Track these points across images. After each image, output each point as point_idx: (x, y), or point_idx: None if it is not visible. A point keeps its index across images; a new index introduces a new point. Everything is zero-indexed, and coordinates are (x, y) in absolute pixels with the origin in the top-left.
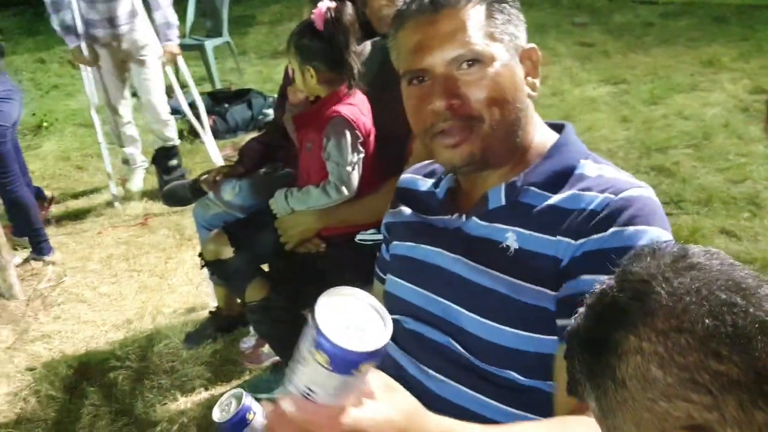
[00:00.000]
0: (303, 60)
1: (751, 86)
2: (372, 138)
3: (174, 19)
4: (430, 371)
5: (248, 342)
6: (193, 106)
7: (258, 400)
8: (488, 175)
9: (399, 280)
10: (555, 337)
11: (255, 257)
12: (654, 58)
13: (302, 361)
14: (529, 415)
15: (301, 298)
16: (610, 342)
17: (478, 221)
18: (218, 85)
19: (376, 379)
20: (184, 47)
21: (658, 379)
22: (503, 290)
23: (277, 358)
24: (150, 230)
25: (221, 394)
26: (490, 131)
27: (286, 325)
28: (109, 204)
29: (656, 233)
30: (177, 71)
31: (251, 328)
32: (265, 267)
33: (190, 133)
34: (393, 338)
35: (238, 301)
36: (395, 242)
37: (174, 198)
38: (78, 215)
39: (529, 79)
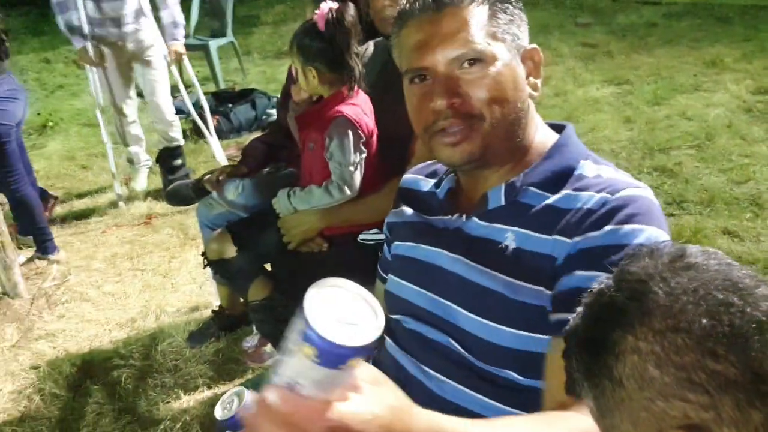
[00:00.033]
0: (305, 60)
1: (754, 87)
2: (374, 138)
3: (181, 18)
4: (430, 371)
5: (251, 341)
6: (197, 105)
7: None
8: (488, 175)
9: (400, 280)
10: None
11: (258, 257)
12: (657, 59)
13: (289, 353)
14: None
15: (303, 298)
16: (607, 341)
17: (478, 221)
18: (222, 85)
19: (363, 372)
20: (188, 47)
21: (655, 378)
22: (502, 290)
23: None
24: (154, 229)
25: (224, 393)
26: (491, 130)
27: (289, 325)
28: (114, 203)
29: (653, 233)
30: (182, 71)
31: (254, 327)
32: (268, 266)
33: (194, 133)
34: (394, 338)
35: (241, 300)
36: (397, 242)
37: (177, 197)
38: (82, 214)
39: (531, 79)
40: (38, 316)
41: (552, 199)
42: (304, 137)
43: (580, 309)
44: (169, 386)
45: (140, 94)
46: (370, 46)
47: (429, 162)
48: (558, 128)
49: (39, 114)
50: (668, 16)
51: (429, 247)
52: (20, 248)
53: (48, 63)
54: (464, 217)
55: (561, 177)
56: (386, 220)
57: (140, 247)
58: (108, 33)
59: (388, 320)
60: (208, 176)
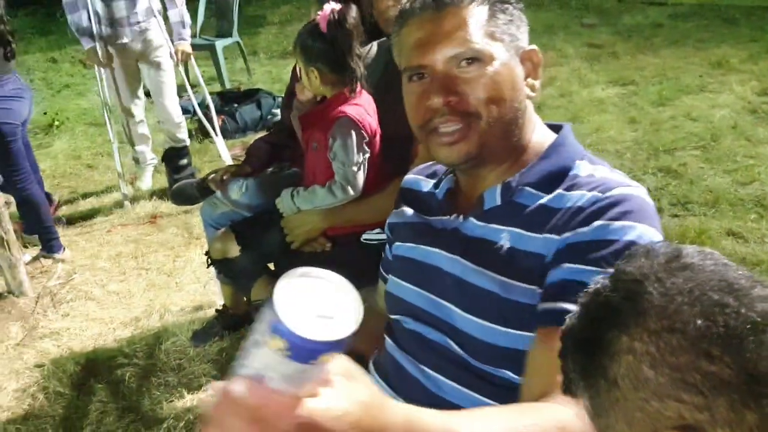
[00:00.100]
0: (307, 61)
1: (759, 88)
2: (378, 138)
3: (188, 18)
4: (429, 371)
5: None
6: (203, 105)
7: None
8: (486, 174)
9: (400, 280)
10: None
11: (261, 256)
12: (663, 60)
13: (258, 344)
14: None
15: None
16: (602, 342)
17: (475, 222)
18: (228, 85)
19: (336, 366)
20: (194, 47)
21: (649, 378)
22: (497, 290)
23: None
24: (159, 229)
25: None
26: (487, 128)
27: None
28: (119, 203)
29: (644, 230)
30: (188, 71)
31: None
32: (272, 266)
33: (199, 133)
34: (393, 338)
35: (245, 299)
36: (397, 243)
37: (182, 197)
38: (88, 214)
39: (529, 80)
40: (43, 315)
41: (545, 198)
42: (307, 137)
43: (576, 309)
44: (172, 385)
45: (147, 94)
46: (374, 46)
47: (430, 162)
48: (556, 128)
49: (45, 113)
50: (674, 16)
51: (428, 248)
52: (25, 247)
53: (54, 62)
54: (462, 217)
55: (556, 177)
56: (388, 221)
57: (145, 247)
58: (117, 33)
59: (388, 320)
60: (213, 176)
